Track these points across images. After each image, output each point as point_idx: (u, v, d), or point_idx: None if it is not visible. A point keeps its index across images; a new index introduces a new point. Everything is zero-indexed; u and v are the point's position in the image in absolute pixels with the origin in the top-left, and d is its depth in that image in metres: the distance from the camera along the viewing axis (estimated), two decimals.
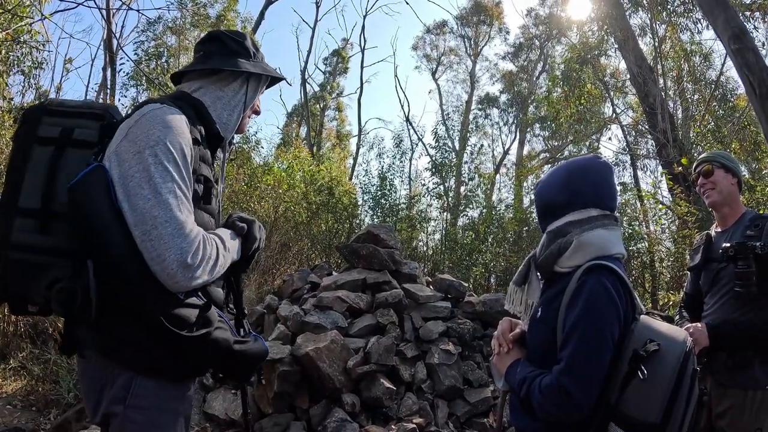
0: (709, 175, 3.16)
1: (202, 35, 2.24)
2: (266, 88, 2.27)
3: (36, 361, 6.35)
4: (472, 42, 31.49)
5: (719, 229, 3.20)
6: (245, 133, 2.56)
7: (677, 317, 3.40)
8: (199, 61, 2.03)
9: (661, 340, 1.73)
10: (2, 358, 6.42)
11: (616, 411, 1.70)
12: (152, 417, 1.73)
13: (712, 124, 12.98)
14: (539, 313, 1.94)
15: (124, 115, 1.88)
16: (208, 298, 1.80)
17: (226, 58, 2.02)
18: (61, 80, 14.81)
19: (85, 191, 1.60)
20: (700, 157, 3.32)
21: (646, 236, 10.83)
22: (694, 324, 3.00)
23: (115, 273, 1.60)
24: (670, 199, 10.77)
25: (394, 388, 5.16)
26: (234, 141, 2.24)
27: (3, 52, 8.49)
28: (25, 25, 8.21)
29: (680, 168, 9.02)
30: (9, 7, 7.45)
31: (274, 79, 2.25)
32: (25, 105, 10.41)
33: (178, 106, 1.83)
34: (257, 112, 2.23)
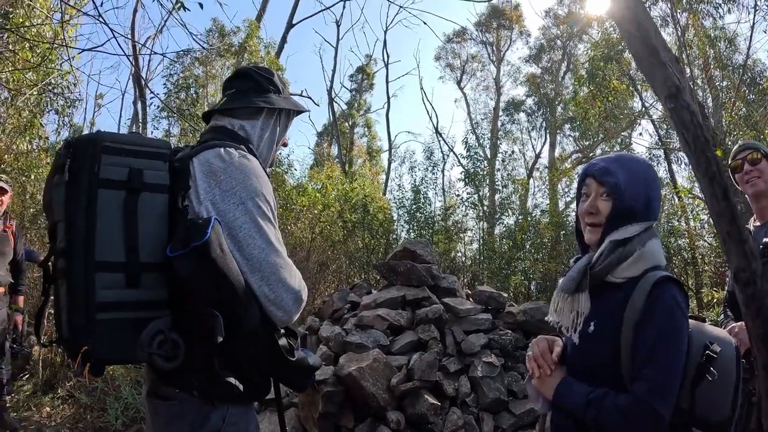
0: (756, 163, 3.05)
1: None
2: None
3: (83, 390, 6.51)
4: (494, 47, 31.37)
5: (758, 223, 3.12)
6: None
7: (722, 317, 3.33)
8: (235, 99, 2.05)
9: (715, 341, 1.76)
10: (51, 387, 6.61)
11: (691, 415, 1.72)
12: None
13: (744, 110, 12.68)
14: (591, 328, 1.83)
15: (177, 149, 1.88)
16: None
17: (262, 96, 2.06)
18: (93, 116, 15.22)
19: (215, 249, 1.59)
20: (743, 143, 3.21)
21: (685, 232, 10.64)
22: (737, 323, 2.94)
23: (243, 319, 1.67)
24: None
25: (439, 404, 5.16)
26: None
27: (35, 95, 8.77)
28: (58, 70, 8.50)
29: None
30: (38, 51, 7.71)
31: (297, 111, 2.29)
32: (61, 142, 10.71)
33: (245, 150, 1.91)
34: (285, 145, 2.26)
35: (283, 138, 2.19)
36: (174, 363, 1.63)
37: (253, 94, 2.05)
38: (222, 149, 1.82)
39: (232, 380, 1.74)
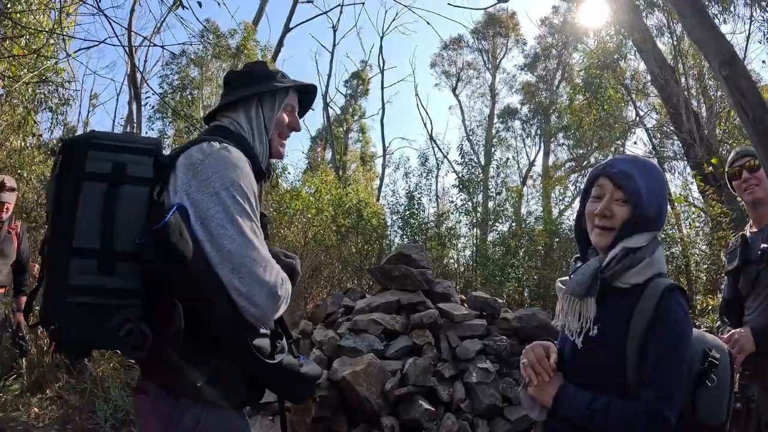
0: (755, 170, 3.04)
1: (223, 65, 2.27)
2: (304, 104, 2.27)
3: (72, 391, 6.44)
4: (490, 55, 31.47)
5: (754, 229, 3.12)
6: (283, 156, 2.46)
7: (718, 323, 3.33)
8: (223, 99, 2.07)
9: (711, 347, 1.81)
10: (39, 388, 6.53)
11: (693, 421, 1.75)
12: None
13: (738, 119, 12.70)
14: (594, 332, 1.80)
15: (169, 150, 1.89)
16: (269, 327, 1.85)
17: (245, 88, 2.04)
18: (87, 115, 15.17)
19: (174, 233, 1.58)
20: (741, 150, 3.21)
21: (679, 240, 10.65)
22: (737, 329, 2.93)
23: (207, 312, 1.64)
24: (701, 200, 10.59)
25: (433, 409, 5.12)
26: (273, 167, 2.19)
27: (30, 90, 8.73)
28: (53, 65, 8.45)
29: (710, 168, 8.88)
30: (34, 47, 7.67)
31: (304, 92, 2.23)
32: (54, 141, 10.70)
33: (231, 144, 1.88)
34: (294, 128, 2.18)
35: (277, 122, 2.10)
36: (140, 353, 1.61)
37: (239, 89, 2.05)
38: (206, 143, 1.81)
39: (196, 378, 1.70)
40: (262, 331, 1.80)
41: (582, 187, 2.01)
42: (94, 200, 1.64)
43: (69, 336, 1.62)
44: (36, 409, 6.11)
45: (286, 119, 2.14)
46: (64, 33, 6.51)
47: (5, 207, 5.20)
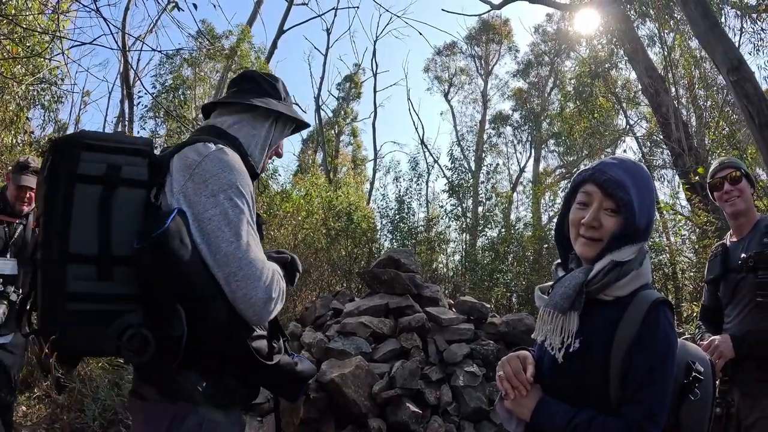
0: (737, 182, 3.07)
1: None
2: (291, 133, 2.26)
3: (60, 390, 6.41)
4: (483, 61, 31.58)
5: (734, 239, 3.15)
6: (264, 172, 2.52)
7: (697, 330, 3.36)
8: (234, 97, 2.06)
9: (694, 359, 1.76)
10: (27, 386, 6.48)
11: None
12: None
13: (727, 129, 12.83)
14: (576, 345, 1.69)
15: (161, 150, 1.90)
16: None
17: (260, 97, 2.04)
18: (79, 113, 15.03)
19: (174, 239, 1.57)
20: (724, 161, 3.22)
21: (667, 248, 10.73)
22: (717, 336, 2.98)
23: (205, 315, 1.62)
24: (689, 208, 10.68)
25: (420, 412, 5.16)
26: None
27: (23, 87, 8.70)
28: (47, 64, 8.44)
29: (697, 177, 8.96)
30: (29, 44, 7.65)
31: (297, 127, 2.24)
32: (46, 138, 10.65)
33: (227, 145, 1.86)
34: (279, 155, 2.22)
35: (276, 146, 2.15)
36: (143, 358, 1.58)
37: (252, 94, 2.04)
38: (201, 144, 1.80)
39: (193, 380, 1.69)
40: (259, 332, 1.78)
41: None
42: (89, 203, 1.61)
43: (70, 344, 1.58)
44: (24, 408, 6.09)
45: (281, 145, 2.21)
46: (60, 33, 6.50)
47: (27, 195, 4.04)
